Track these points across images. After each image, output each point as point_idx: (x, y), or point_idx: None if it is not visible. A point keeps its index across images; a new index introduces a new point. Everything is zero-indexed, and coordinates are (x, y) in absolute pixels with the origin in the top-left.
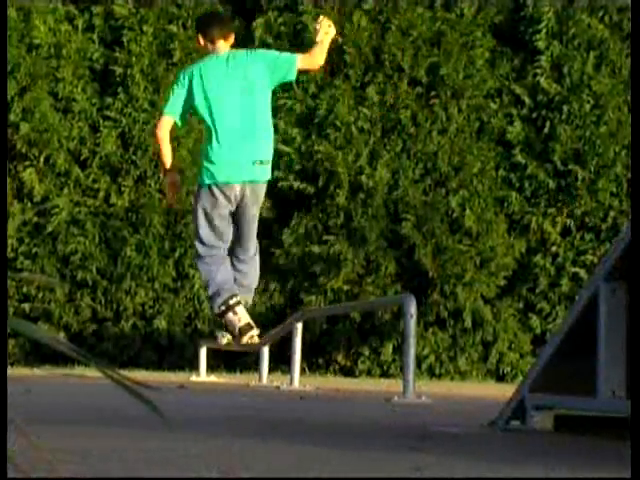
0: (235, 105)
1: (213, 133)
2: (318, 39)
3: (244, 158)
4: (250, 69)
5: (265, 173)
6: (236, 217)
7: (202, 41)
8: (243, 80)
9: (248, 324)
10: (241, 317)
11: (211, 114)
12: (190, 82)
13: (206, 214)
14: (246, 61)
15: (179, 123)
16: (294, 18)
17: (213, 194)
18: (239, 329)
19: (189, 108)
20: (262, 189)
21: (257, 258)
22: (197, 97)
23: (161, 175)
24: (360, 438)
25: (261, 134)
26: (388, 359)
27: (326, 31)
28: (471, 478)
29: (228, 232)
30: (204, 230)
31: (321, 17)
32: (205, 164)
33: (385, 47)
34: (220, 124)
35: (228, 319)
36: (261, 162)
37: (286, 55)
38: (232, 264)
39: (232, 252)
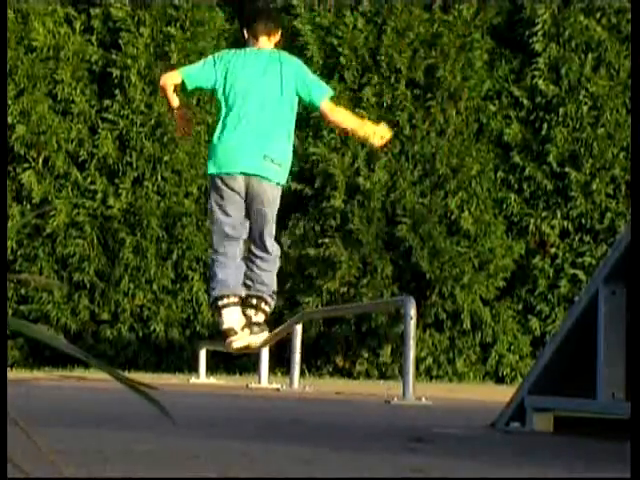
0: (259, 102)
1: (228, 122)
2: (357, 125)
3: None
4: (284, 72)
5: (274, 172)
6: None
7: (246, 35)
8: (275, 80)
9: (231, 329)
10: (225, 320)
11: (232, 104)
12: (223, 65)
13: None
14: (281, 63)
15: (187, 86)
16: (291, 21)
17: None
18: (222, 332)
19: (204, 87)
20: (270, 189)
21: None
22: (224, 83)
23: (170, 114)
24: (360, 439)
25: (277, 135)
26: (387, 361)
27: (368, 133)
28: (471, 479)
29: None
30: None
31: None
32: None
33: (382, 49)
34: (237, 115)
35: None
36: (272, 160)
37: (318, 82)
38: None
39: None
